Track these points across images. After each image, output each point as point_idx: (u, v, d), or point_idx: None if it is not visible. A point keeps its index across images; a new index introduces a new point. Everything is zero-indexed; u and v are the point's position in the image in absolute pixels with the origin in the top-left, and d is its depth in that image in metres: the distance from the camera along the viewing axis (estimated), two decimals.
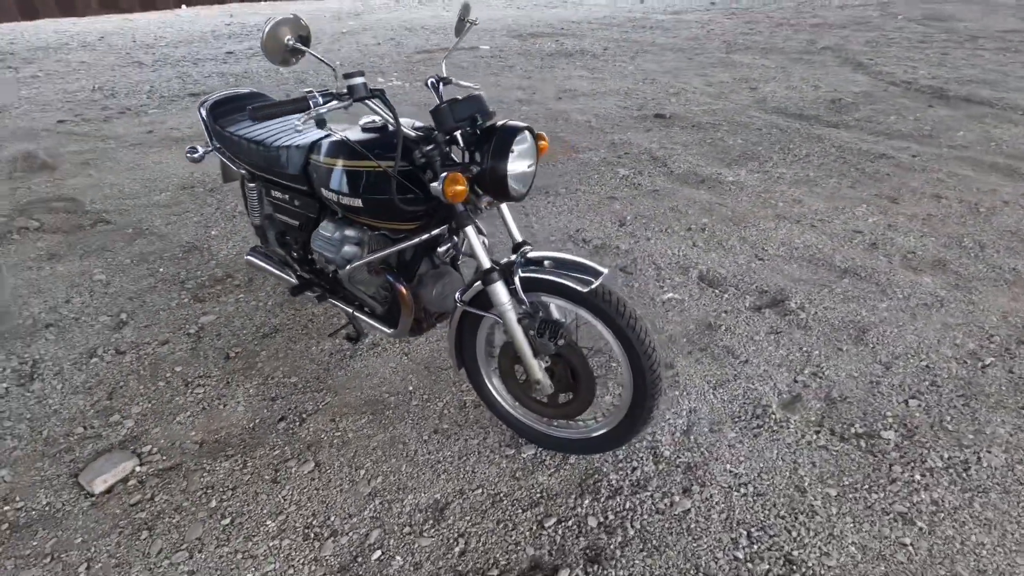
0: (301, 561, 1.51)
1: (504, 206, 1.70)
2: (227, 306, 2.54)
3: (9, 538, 1.55)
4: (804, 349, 2.24)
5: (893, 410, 1.95)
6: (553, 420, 1.82)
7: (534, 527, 1.60)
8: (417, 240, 1.69)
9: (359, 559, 1.52)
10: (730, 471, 1.73)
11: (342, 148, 1.69)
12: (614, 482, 1.72)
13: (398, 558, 1.53)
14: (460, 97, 1.55)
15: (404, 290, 1.75)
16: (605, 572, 1.45)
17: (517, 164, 1.54)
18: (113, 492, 1.70)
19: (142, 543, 1.55)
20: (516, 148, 1.52)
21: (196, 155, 2.16)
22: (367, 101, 1.50)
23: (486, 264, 1.59)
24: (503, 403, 1.86)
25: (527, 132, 1.55)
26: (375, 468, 1.77)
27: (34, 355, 2.23)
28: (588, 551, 1.53)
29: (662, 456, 1.80)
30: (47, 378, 2.13)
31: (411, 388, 2.09)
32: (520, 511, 1.64)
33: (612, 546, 1.52)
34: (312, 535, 1.58)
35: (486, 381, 1.86)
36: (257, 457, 1.81)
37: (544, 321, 1.61)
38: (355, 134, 1.71)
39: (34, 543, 1.55)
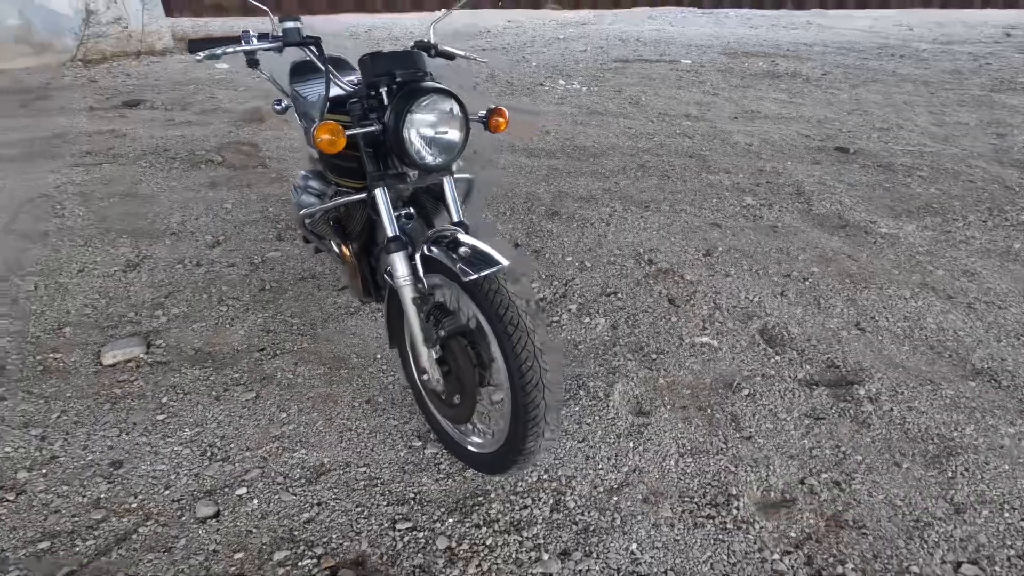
0: (185, 472, 1.60)
1: (446, 181, 1.57)
2: (296, 248, 2.82)
3: (23, 369, 1.95)
4: (843, 450, 1.68)
5: (929, 570, 1.35)
6: (452, 423, 1.64)
7: (385, 524, 1.47)
8: (349, 199, 1.62)
9: (226, 489, 1.56)
10: (632, 554, 1.38)
11: (318, 102, 1.72)
12: (493, 513, 1.49)
13: (255, 502, 1.54)
14: (388, 51, 1.47)
15: (345, 250, 1.73)
16: None
17: (422, 127, 1.41)
18: (115, 367, 2.01)
19: (101, 411, 1.80)
20: (418, 110, 1.39)
21: (279, 108, 2.43)
22: (303, 48, 1.51)
23: (389, 232, 1.49)
24: (423, 393, 1.74)
25: (438, 96, 1.41)
26: (296, 416, 1.79)
27: (147, 252, 2.75)
28: (416, 571, 1.35)
29: (564, 506, 1.51)
30: (142, 271, 2.61)
31: (379, 356, 2.08)
32: (384, 504, 1.52)
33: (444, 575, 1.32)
34: (209, 454, 1.68)
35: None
36: (221, 374, 1.96)
37: (435, 305, 1.46)
38: (335, 90, 1.72)
39: (40, 380, 1.89)
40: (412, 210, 1.69)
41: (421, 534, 1.45)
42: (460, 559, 1.39)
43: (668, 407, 1.85)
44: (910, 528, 1.48)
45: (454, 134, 1.47)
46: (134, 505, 1.52)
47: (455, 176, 1.73)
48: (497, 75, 6.91)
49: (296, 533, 1.45)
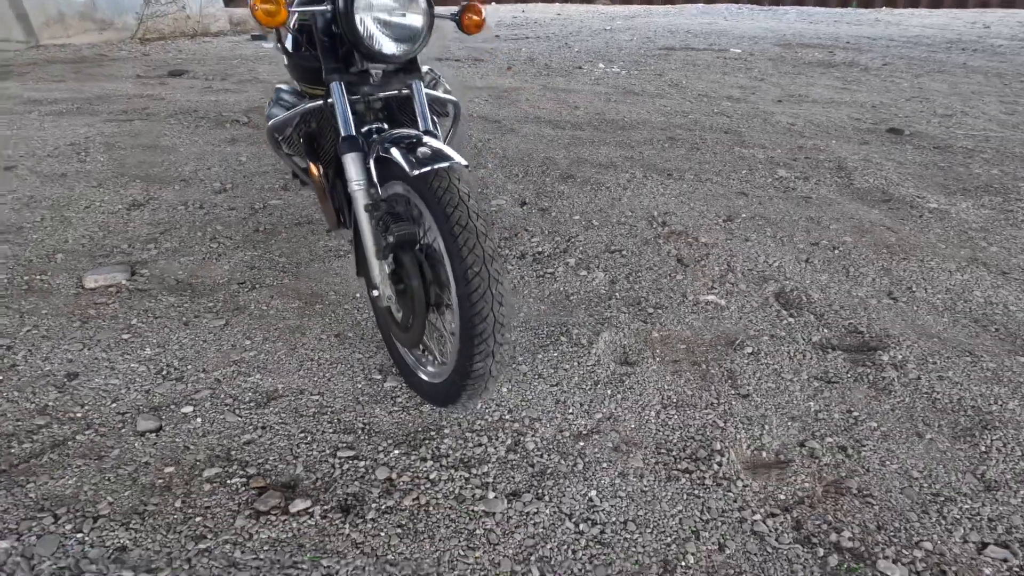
0: (137, 388, 1.53)
1: (415, 85, 1.44)
2: (298, 198, 2.77)
3: (8, 288, 1.94)
4: (855, 415, 1.46)
5: (946, 547, 1.13)
6: (405, 347, 1.51)
7: (326, 451, 1.35)
8: (313, 104, 1.51)
9: (172, 407, 1.49)
10: (589, 501, 1.21)
11: None
12: (443, 448, 1.35)
13: (199, 420, 1.45)
14: None
15: (313, 168, 1.63)
16: (343, 526, 1.16)
17: (377, 10, 1.27)
18: (96, 291, 1.99)
19: (70, 329, 1.77)
20: None
21: (256, 36, 2.36)
22: None
23: (343, 130, 1.36)
24: (379, 315, 1.60)
25: None
26: (260, 344, 1.71)
27: (154, 195, 2.76)
28: (348, 498, 1.23)
29: (523, 447, 1.35)
30: (145, 210, 2.61)
31: (357, 296, 1.98)
32: (330, 431, 1.41)
33: (376, 507, 1.20)
34: (164, 373, 1.61)
35: None
36: (195, 303, 1.90)
37: (388, 213, 1.33)
38: None
39: (21, 297, 1.86)
40: (385, 125, 1.58)
41: (362, 463, 1.32)
42: (398, 490, 1.25)
43: (657, 359, 1.66)
44: (926, 502, 1.25)
45: (415, 18, 1.34)
46: (78, 415, 1.47)
47: (436, 94, 1.62)
48: (536, 58, 6.79)
49: (233, 453, 1.36)
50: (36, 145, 3.28)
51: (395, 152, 1.25)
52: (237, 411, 1.48)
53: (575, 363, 1.65)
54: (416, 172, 1.18)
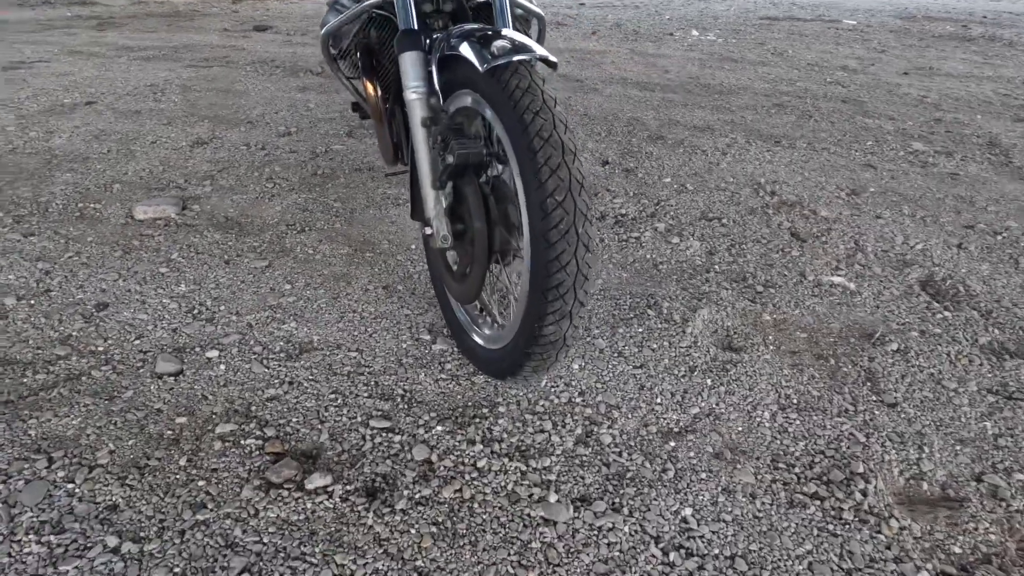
0: (164, 325, 1.35)
1: None
2: (362, 143, 2.57)
3: (61, 214, 1.83)
4: None
5: None
6: (460, 302, 1.23)
7: (358, 419, 1.12)
8: (370, 2, 1.21)
9: (197, 349, 1.30)
10: (683, 521, 0.91)
11: None
12: (497, 431, 1.08)
13: (222, 367, 1.25)
14: None
15: (370, 87, 1.38)
16: (366, 514, 0.93)
17: None
18: (144, 223, 1.85)
19: (111, 258, 1.62)
20: None
21: None
22: None
23: (402, 23, 1.08)
24: (433, 263, 1.33)
25: None
26: (300, 289, 1.49)
27: (219, 135, 2.64)
28: (377, 480, 0.99)
29: (597, 440, 1.06)
30: (208, 148, 2.49)
31: (413, 247, 1.74)
32: (365, 395, 1.17)
33: (408, 495, 0.95)
34: (195, 312, 1.43)
35: None
36: (240, 241, 1.72)
37: (450, 128, 1.04)
38: None
39: (71, 223, 1.75)
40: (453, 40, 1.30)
41: (397, 438, 1.08)
42: (437, 477, 1.01)
43: (771, 348, 1.31)
44: None
45: None
46: (99, 348, 1.32)
47: (516, 5, 1.33)
48: (623, 24, 6.32)
49: (253, 409, 1.16)
50: (118, 85, 3.27)
51: (465, 48, 0.98)
52: (265, 361, 1.28)
53: (665, 343, 1.33)
54: (488, 66, 0.91)
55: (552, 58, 0.94)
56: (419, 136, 1.09)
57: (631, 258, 1.69)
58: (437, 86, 1.06)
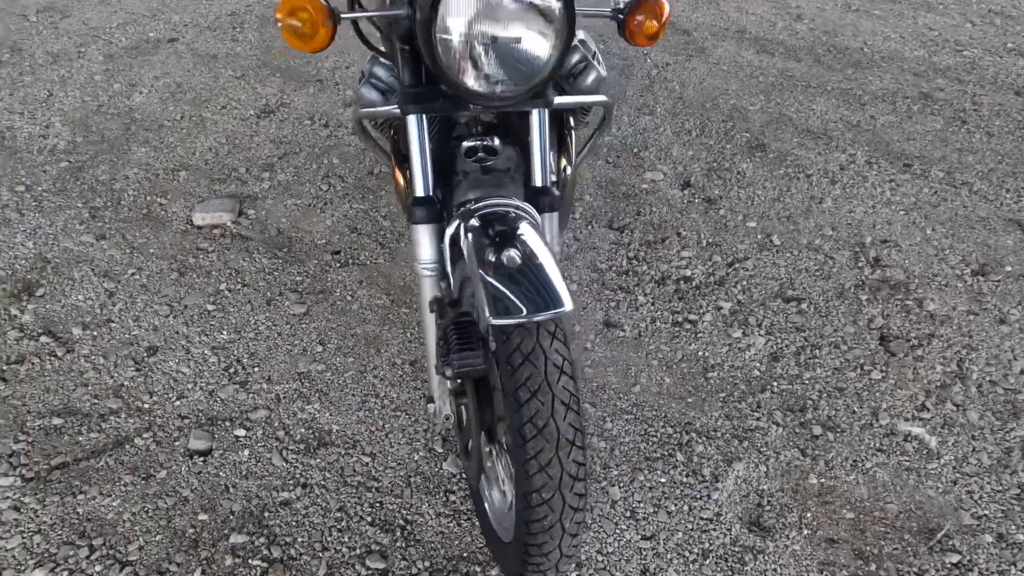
0: (203, 385, 1.38)
1: (535, 116, 0.90)
2: None
3: (132, 210, 1.84)
4: None
5: None
6: (467, 475, 1.16)
7: (356, 551, 1.12)
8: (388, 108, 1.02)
9: (227, 424, 1.33)
10: None
11: None
12: None
13: (246, 452, 1.28)
14: None
15: (398, 175, 1.20)
16: None
17: (477, 25, 0.76)
18: (202, 230, 1.85)
19: (167, 280, 1.63)
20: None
21: None
22: None
23: (418, 188, 0.91)
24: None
25: None
26: (331, 354, 1.45)
27: (286, 100, 2.50)
28: None
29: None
30: (273, 120, 2.38)
31: None
32: (367, 521, 1.16)
33: None
34: (231, 371, 1.44)
35: None
36: (286, 272, 1.67)
37: (457, 325, 0.88)
38: None
39: (138, 225, 1.77)
40: (496, 140, 1.08)
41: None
42: None
43: (806, 531, 1.13)
44: None
45: (539, 44, 0.79)
46: (146, 406, 1.39)
47: (578, 100, 1.07)
48: None
49: (267, 515, 1.19)
50: (202, 12, 3.13)
51: (481, 281, 0.80)
52: (285, 453, 1.30)
53: (685, 507, 1.19)
54: (495, 321, 0.75)
55: (568, 306, 0.75)
56: (426, 316, 0.95)
57: (680, 354, 1.49)
58: (448, 267, 0.90)
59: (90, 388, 1.39)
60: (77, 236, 1.78)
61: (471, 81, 0.80)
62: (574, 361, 0.82)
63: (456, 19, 0.76)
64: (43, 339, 1.48)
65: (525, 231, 0.87)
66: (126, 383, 1.41)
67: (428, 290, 0.95)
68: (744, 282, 1.68)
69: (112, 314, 1.57)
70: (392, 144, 1.20)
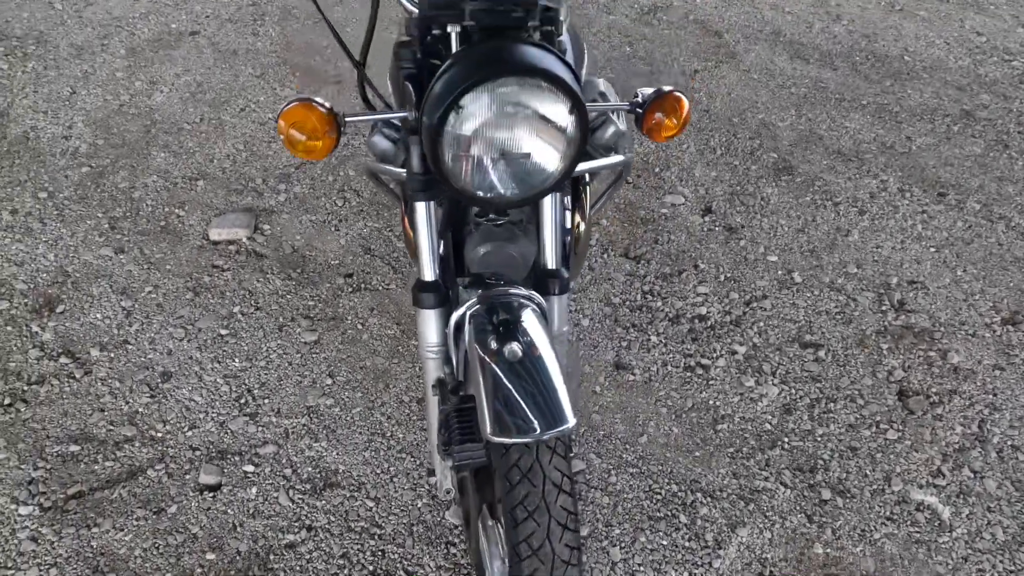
0: (214, 415, 1.37)
1: (546, 205, 0.85)
2: None
3: (149, 221, 1.81)
4: None
5: None
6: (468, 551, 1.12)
7: None
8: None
9: (237, 458, 1.33)
10: None
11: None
12: None
13: (254, 490, 1.27)
14: None
15: (404, 216, 1.14)
16: None
17: (483, 136, 0.70)
18: (216, 246, 1.83)
19: (182, 300, 1.61)
20: (477, 102, 0.67)
21: None
22: None
23: (426, 272, 0.86)
24: None
25: (527, 78, 0.68)
26: (340, 388, 1.43)
27: None
28: None
29: None
30: None
31: None
32: (368, 571, 1.18)
33: None
34: (242, 402, 1.43)
35: None
36: (299, 295, 1.64)
37: (459, 412, 0.85)
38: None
39: (156, 239, 1.75)
40: (509, 216, 1.03)
41: None
42: None
43: None
44: None
45: (550, 157, 0.73)
46: (159, 435, 1.39)
47: (595, 165, 1.00)
48: None
49: (272, 558, 1.19)
50: (224, 2, 3.04)
51: (475, 358, 0.77)
52: (292, 493, 1.29)
53: (686, 573, 1.15)
54: (492, 439, 0.71)
55: (571, 422, 0.71)
56: (429, 396, 0.91)
57: (691, 402, 1.44)
58: (452, 351, 0.86)
59: (106, 414, 1.41)
60: (97, 249, 1.78)
61: (477, 189, 0.75)
62: (574, 476, 0.79)
63: (464, 132, 0.70)
64: (62, 360, 1.50)
65: (530, 323, 0.83)
66: (141, 410, 1.42)
67: (432, 372, 0.91)
68: (761, 323, 1.61)
69: (129, 335, 1.57)
70: (402, 189, 1.15)
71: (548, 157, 0.73)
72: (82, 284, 1.68)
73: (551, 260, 0.90)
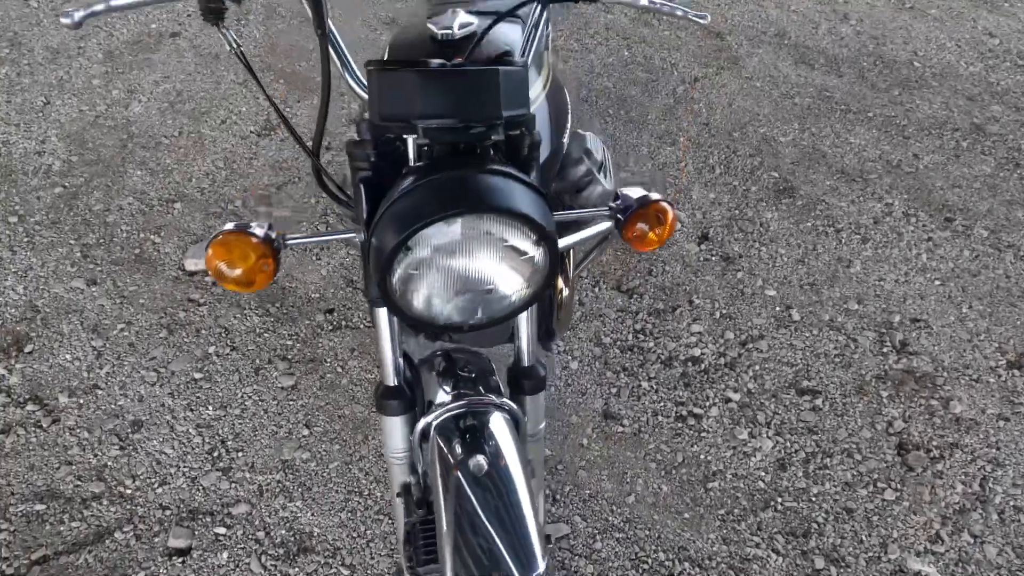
0: (186, 470, 1.28)
1: (519, 324, 0.75)
2: None
3: (124, 248, 1.69)
4: None
5: None
6: None
7: None
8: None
9: (207, 519, 1.24)
10: None
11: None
12: None
13: (225, 555, 1.19)
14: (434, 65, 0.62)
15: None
16: None
17: (437, 267, 0.61)
18: (192, 277, 1.71)
19: (155, 339, 1.51)
20: (428, 241, 0.59)
21: None
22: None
23: (388, 377, 0.76)
24: None
25: (486, 213, 0.60)
26: (316, 440, 1.33)
27: (291, 111, 2.31)
28: None
29: None
30: (274, 139, 2.17)
31: None
32: None
33: None
34: (215, 455, 1.35)
35: None
36: (276, 333, 1.53)
37: (419, 528, 0.77)
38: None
39: (130, 269, 1.63)
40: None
41: None
42: None
43: None
44: None
45: (513, 285, 0.63)
46: (128, 491, 1.30)
47: (579, 240, 0.90)
48: None
49: None
50: None
51: (439, 479, 0.68)
52: (264, 558, 1.20)
53: None
54: None
55: (541, 568, 0.62)
56: (396, 503, 0.82)
57: (681, 457, 1.35)
58: (418, 462, 0.77)
59: (74, 467, 1.32)
60: (68, 280, 1.67)
61: (433, 318, 0.65)
62: None
63: (414, 271, 0.60)
64: (29, 407, 1.40)
65: (500, 434, 0.74)
66: (110, 463, 1.33)
67: (398, 477, 0.81)
68: (756, 367, 1.51)
69: (99, 379, 1.48)
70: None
71: (514, 287, 0.63)
72: (52, 320, 1.58)
73: (526, 357, 0.80)
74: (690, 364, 1.51)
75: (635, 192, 0.73)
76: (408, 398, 0.78)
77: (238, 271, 0.63)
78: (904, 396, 1.45)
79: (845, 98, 2.36)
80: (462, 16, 0.88)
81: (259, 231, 0.65)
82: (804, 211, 1.91)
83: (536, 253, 0.61)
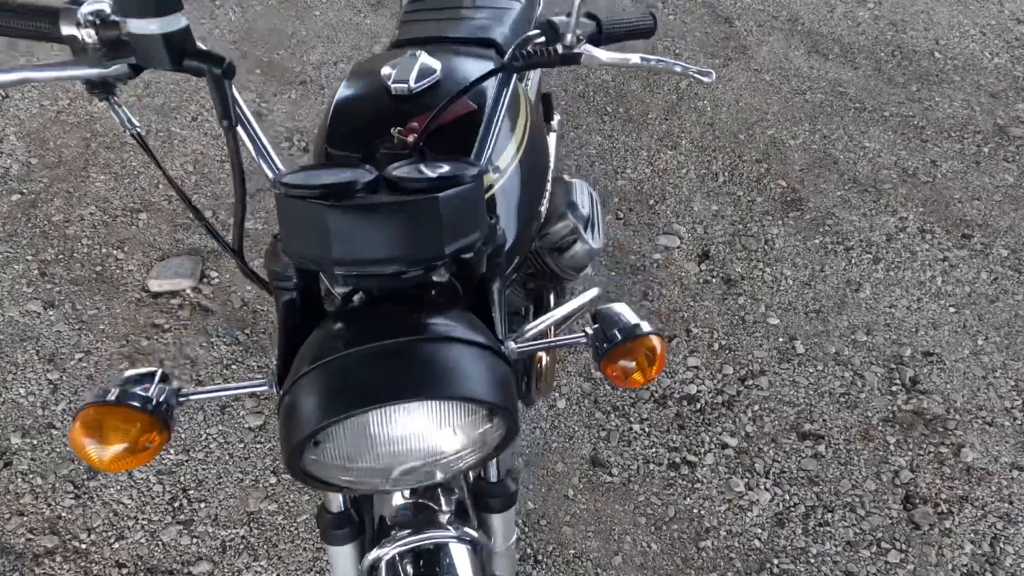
0: (144, 523, 1.15)
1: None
2: None
3: (84, 265, 1.53)
4: None
5: None
6: None
7: None
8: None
9: (168, 561, 1.17)
10: None
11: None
12: None
13: None
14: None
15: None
16: None
17: (359, 454, 0.48)
18: (157, 299, 1.56)
19: (109, 369, 1.35)
20: (346, 428, 0.45)
21: None
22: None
23: (332, 504, 0.65)
24: None
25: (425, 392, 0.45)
26: (284, 491, 1.20)
27: (266, 108, 2.09)
28: None
29: None
30: None
31: None
32: None
33: None
34: (176, 506, 1.21)
35: None
36: (244, 365, 1.38)
37: None
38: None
39: (90, 290, 1.48)
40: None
41: None
42: None
43: None
44: None
45: (458, 450, 0.48)
46: (83, 546, 1.18)
47: (562, 316, 0.75)
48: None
49: None
50: None
51: None
52: None
53: None
54: None
55: None
56: None
57: (673, 511, 1.23)
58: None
59: (26, 519, 1.20)
60: (24, 303, 1.52)
61: (359, 486, 0.50)
62: None
63: (331, 462, 0.46)
64: None
65: (459, 567, 0.62)
66: (64, 514, 1.21)
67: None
68: (756, 407, 1.38)
69: (54, 416, 1.34)
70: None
71: (461, 453, 0.49)
72: (6, 349, 1.43)
73: (493, 473, 0.67)
74: (685, 403, 1.37)
75: (619, 319, 0.58)
76: (356, 522, 0.65)
77: (116, 448, 0.48)
78: (912, 442, 1.32)
79: (860, 94, 2.14)
80: (423, 61, 0.72)
81: (140, 396, 0.49)
82: (812, 226, 1.73)
83: (488, 426, 0.47)
